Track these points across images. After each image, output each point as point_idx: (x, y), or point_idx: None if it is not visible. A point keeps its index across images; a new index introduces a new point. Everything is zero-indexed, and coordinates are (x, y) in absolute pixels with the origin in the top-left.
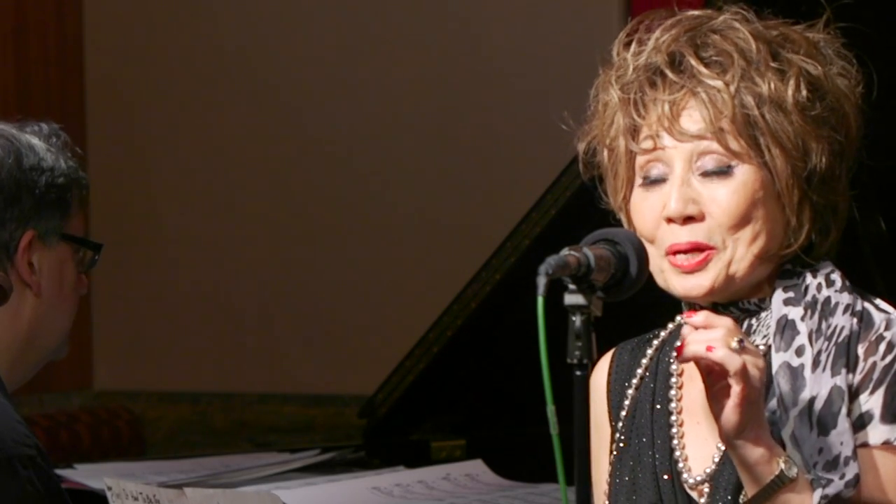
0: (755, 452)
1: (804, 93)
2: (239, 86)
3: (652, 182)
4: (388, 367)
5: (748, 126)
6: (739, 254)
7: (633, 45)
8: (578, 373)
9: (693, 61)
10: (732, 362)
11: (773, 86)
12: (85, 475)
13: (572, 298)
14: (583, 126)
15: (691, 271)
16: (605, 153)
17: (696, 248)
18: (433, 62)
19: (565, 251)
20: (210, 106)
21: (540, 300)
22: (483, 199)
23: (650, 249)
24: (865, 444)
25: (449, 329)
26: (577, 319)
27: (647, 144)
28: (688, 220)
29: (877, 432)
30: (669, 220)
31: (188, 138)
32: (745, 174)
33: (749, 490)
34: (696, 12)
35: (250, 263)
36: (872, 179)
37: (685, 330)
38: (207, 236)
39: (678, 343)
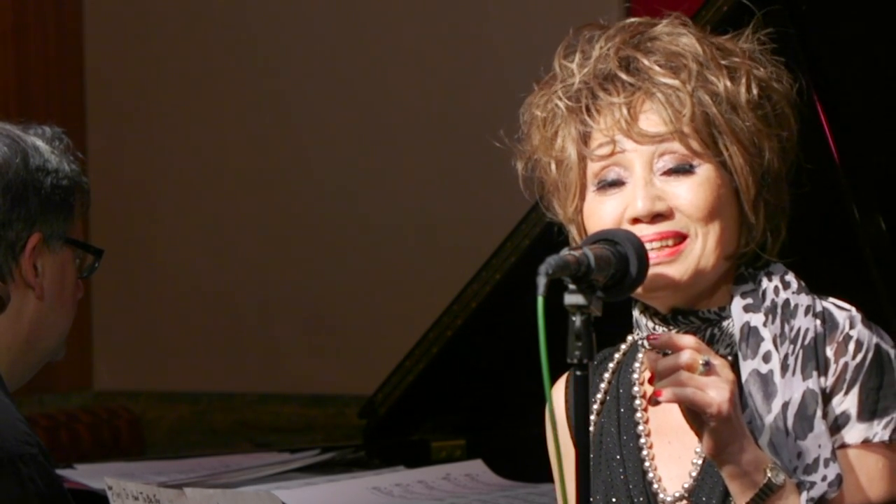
0: (742, 463)
1: (755, 92)
2: (239, 86)
3: (609, 185)
4: (388, 367)
5: (706, 125)
6: (710, 246)
7: (578, 56)
8: (578, 373)
9: (647, 62)
10: (705, 400)
11: (727, 85)
12: (85, 475)
13: (572, 298)
14: (517, 146)
15: (662, 262)
16: (553, 166)
17: (672, 236)
18: (431, 63)
19: (565, 251)
20: (210, 106)
21: (540, 300)
22: (483, 200)
23: None
24: (844, 445)
25: (449, 329)
26: (577, 319)
27: (605, 150)
28: (656, 217)
29: (854, 431)
30: (635, 221)
31: (188, 138)
32: (707, 171)
33: (739, 501)
34: (635, 20)
35: (250, 263)
36: (872, 178)
37: (650, 356)
38: (207, 237)
39: (644, 368)
